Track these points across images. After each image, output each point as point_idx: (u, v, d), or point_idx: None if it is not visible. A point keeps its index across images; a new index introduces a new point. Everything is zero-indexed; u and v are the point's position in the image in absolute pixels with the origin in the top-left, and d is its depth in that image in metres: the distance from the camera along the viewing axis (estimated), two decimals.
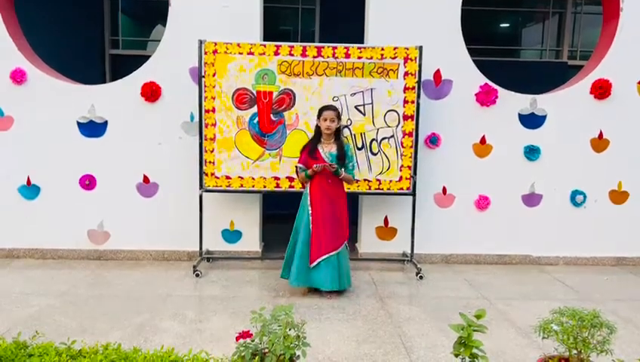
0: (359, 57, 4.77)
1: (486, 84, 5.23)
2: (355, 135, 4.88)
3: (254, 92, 4.79)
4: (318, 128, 4.28)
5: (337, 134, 4.30)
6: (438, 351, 3.22)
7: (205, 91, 4.77)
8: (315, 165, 4.13)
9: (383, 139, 4.89)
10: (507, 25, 10.32)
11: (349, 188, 4.86)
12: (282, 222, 5.13)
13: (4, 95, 5.08)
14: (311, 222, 4.20)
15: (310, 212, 4.22)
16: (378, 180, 4.95)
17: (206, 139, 4.82)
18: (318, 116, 4.25)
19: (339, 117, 4.26)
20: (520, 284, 4.74)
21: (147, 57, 5.22)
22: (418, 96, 4.84)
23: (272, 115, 4.82)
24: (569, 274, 5.12)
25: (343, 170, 4.24)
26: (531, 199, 5.39)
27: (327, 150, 4.24)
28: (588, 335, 2.30)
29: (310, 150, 4.27)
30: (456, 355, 2.24)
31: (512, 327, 3.67)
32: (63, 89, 5.14)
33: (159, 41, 5.20)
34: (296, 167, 4.40)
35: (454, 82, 5.22)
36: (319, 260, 4.15)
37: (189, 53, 4.91)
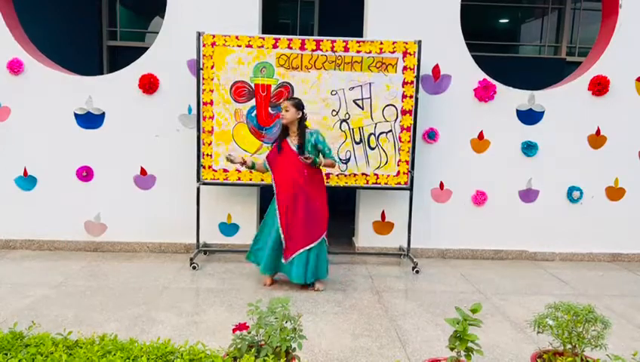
0: (358, 51, 4.76)
1: (485, 79, 5.23)
2: (353, 129, 4.88)
3: (252, 85, 4.78)
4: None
5: (300, 125, 4.16)
6: (433, 345, 3.24)
7: (203, 84, 4.76)
8: (229, 156, 4.18)
9: (381, 133, 4.89)
10: (506, 20, 10.31)
11: (346, 183, 4.87)
12: None
13: (1, 85, 5.06)
14: (281, 223, 4.17)
15: (278, 209, 4.19)
16: (376, 175, 4.95)
17: (204, 132, 4.82)
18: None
19: (297, 106, 4.11)
20: (516, 279, 4.76)
21: (145, 49, 5.20)
22: (417, 91, 4.84)
23: (270, 109, 4.81)
24: (565, 269, 5.14)
25: (321, 156, 4.18)
26: (528, 195, 5.40)
27: (295, 142, 4.16)
28: (582, 330, 2.31)
29: (279, 143, 4.23)
30: (452, 349, 2.26)
31: (508, 322, 3.69)
32: (61, 80, 5.12)
33: (157, 32, 5.17)
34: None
35: (453, 77, 5.22)
36: (292, 257, 4.17)
37: (187, 45, 4.89)
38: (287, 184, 4.17)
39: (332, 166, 4.35)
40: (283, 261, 4.22)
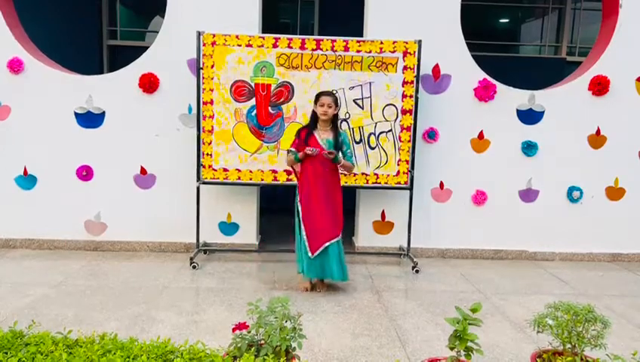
0: (358, 51, 4.76)
1: (485, 79, 5.22)
2: (353, 129, 4.88)
3: (252, 84, 4.78)
4: (314, 114, 4.14)
5: (334, 121, 4.18)
6: (433, 344, 3.24)
7: (203, 83, 4.76)
8: (308, 148, 3.99)
9: (381, 133, 4.89)
10: (506, 20, 10.30)
11: (346, 182, 4.87)
12: (279, 214, 5.14)
13: (1, 84, 5.06)
14: (303, 212, 4.13)
15: (301, 199, 4.14)
16: (376, 174, 4.95)
17: (204, 131, 4.82)
18: (315, 102, 4.11)
19: (336, 103, 4.14)
20: (516, 279, 4.76)
21: (145, 48, 5.19)
22: (417, 91, 4.84)
23: (270, 108, 4.81)
24: (565, 269, 5.14)
25: (341, 156, 4.16)
26: (528, 195, 5.40)
27: (324, 137, 4.11)
28: (582, 329, 2.31)
29: (305, 136, 4.12)
30: (452, 348, 2.26)
31: (508, 321, 3.69)
32: (61, 79, 5.12)
33: (158, 32, 5.17)
34: (288, 150, 4.27)
35: (453, 77, 5.22)
36: (320, 249, 4.08)
37: (187, 44, 4.89)
38: (312, 174, 4.10)
39: (348, 169, 4.36)
40: (310, 254, 4.09)
